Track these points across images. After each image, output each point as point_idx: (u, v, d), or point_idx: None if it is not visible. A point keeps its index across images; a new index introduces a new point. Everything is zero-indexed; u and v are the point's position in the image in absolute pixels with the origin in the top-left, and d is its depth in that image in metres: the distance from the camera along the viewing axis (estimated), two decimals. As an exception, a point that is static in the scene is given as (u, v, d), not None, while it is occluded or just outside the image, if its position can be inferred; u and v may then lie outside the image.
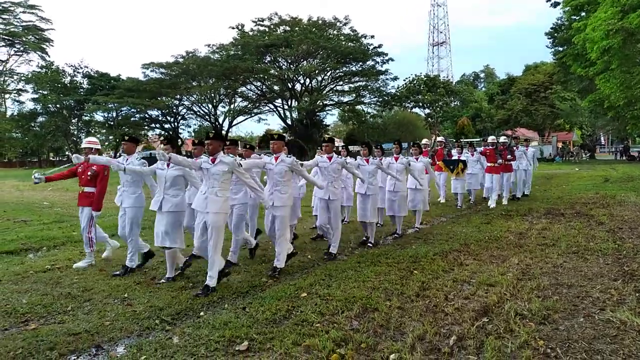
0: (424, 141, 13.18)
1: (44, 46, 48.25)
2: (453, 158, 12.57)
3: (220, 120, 50.72)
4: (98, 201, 6.33)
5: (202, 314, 4.44)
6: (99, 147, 6.57)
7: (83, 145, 6.51)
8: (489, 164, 12.08)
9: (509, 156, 12.11)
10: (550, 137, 47.00)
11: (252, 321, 4.15)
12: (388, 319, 4.15)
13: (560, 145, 44.18)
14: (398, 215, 8.31)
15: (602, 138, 67.00)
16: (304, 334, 3.85)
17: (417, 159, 9.04)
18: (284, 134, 7.29)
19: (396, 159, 8.38)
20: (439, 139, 13.74)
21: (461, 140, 14.82)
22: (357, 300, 4.63)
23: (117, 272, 5.93)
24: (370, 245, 7.52)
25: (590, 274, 5.47)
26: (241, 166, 5.32)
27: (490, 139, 12.56)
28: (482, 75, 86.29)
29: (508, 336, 3.75)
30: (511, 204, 12.11)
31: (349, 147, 8.92)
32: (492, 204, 11.69)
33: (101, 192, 6.34)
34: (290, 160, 6.07)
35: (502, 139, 12.59)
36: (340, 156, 7.54)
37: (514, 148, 12.75)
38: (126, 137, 6.40)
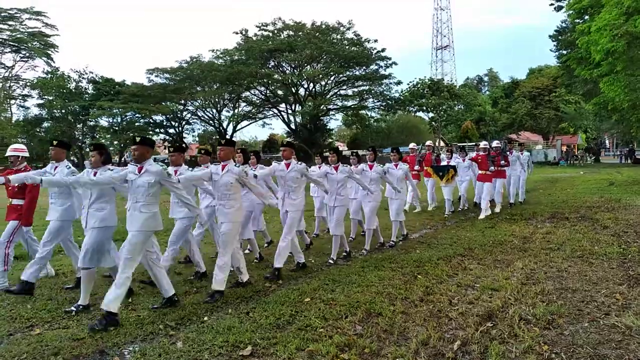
0: (411, 145, 12.57)
1: (49, 52, 48.55)
2: (442, 164, 11.92)
3: (225, 124, 50.94)
4: (27, 215, 5.63)
5: (205, 319, 4.45)
6: (26, 154, 5.87)
7: (8, 153, 5.77)
8: (480, 172, 11.21)
9: (502, 162, 11.36)
10: (555, 140, 46.92)
11: (255, 326, 4.15)
12: (392, 324, 4.15)
13: (564, 148, 44.00)
14: (368, 228, 7.58)
15: (607, 141, 66.74)
16: (308, 339, 3.85)
17: (396, 165, 8.19)
18: (233, 140, 6.58)
19: (370, 167, 7.67)
20: (427, 143, 12.95)
21: (451, 143, 14.10)
22: (361, 305, 4.63)
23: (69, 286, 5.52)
24: (332, 261, 6.74)
25: (595, 278, 5.44)
26: (169, 176, 4.69)
27: (483, 144, 11.73)
28: (485, 78, 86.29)
29: (512, 341, 3.74)
30: (515, 208, 12.06)
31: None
32: (482, 214, 10.73)
33: (30, 204, 5.62)
34: (239, 170, 5.33)
35: (494, 143, 11.83)
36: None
37: (508, 153, 12.06)
38: (54, 142, 5.59)
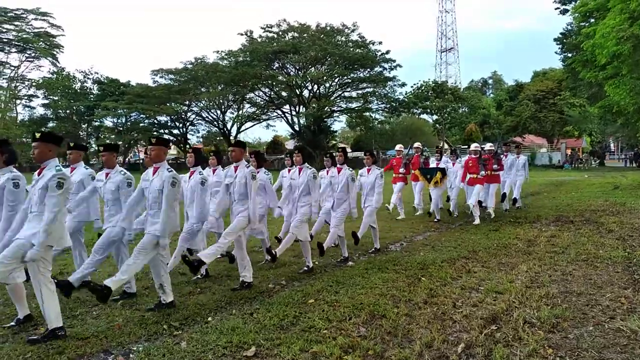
0: (398, 147, 11.67)
1: (54, 52, 48.79)
2: (431, 166, 11.20)
3: (229, 126, 51.08)
4: None
5: (209, 319, 4.45)
6: None
7: None
8: (470, 175, 10.42)
9: (495, 166, 10.62)
10: (559, 143, 46.77)
11: (259, 327, 4.16)
12: (396, 326, 4.14)
13: (569, 152, 43.89)
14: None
15: (611, 145, 66.56)
16: (312, 340, 3.85)
17: (368, 170, 7.37)
18: (168, 139, 5.64)
19: (339, 171, 6.74)
20: (415, 145, 12.00)
21: (439, 145, 13.10)
22: (365, 306, 4.62)
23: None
24: (306, 268, 6.33)
25: (599, 282, 5.42)
26: (59, 187, 3.90)
27: (473, 146, 10.86)
28: (490, 81, 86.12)
29: (516, 344, 3.72)
30: (520, 210, 12.01)
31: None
32: (476, 220, 10.17)
33: None
34: (170, 175, 4.65)
35: (487, 146, 11.13)
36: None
37: (502, 156, 11.30)
38: None
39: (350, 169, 6.90)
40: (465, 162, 10.73)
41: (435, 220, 10.66)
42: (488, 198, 10.89)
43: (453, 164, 11.16)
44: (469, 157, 10.72)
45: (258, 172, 6.38)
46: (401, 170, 11.16)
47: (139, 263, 4.59)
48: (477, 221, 10.11)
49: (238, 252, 5.58)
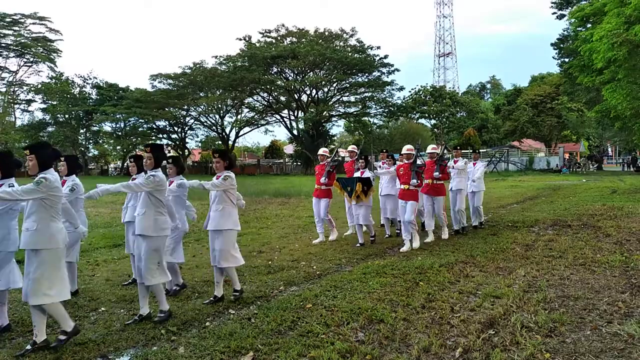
0: (321, 151, 9.06)
1: (52, 57, 48.90)
2: (355, 175, 8.71)
3: (227, 130, 51.17)
4: None
5: (207, 324, 4.45)
6: None
7: None
8: (401, 186, 8.04)
9: (436, 173, 8.51)
10: (557, 148, 46.92)
11: (257, 332, 4.15)
12: (393, 331, 4.14)
13: (567, 156, 44.02)
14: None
15: (609, 149, 66.76)
16: (309, 345, 3.85)
17: (217, 177, 5.16)
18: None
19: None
20: (349, 147, 9.69)
21: (386, 150, 10.07)
22: (363, 311, 4.62)
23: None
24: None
25: (597, 286, 5.43)
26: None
27: (406, 148, 8.15)
28: (488, 86, 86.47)
29: (514, 348, 3.73)
30: (518, 214, 12.02)
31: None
32: (405, 246, 7.88)
33: None
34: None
35: (429, 148, 9.03)
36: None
37: (446, 162, 9.00)
38: None
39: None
40: (396, 170, 8.35)
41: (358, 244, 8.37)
42: (426, 216, 8.85)
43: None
44: (400, 163, 8.29)
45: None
46: (322, 180, 8.64)
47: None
48: (406, 246, 7.89)
49: None
